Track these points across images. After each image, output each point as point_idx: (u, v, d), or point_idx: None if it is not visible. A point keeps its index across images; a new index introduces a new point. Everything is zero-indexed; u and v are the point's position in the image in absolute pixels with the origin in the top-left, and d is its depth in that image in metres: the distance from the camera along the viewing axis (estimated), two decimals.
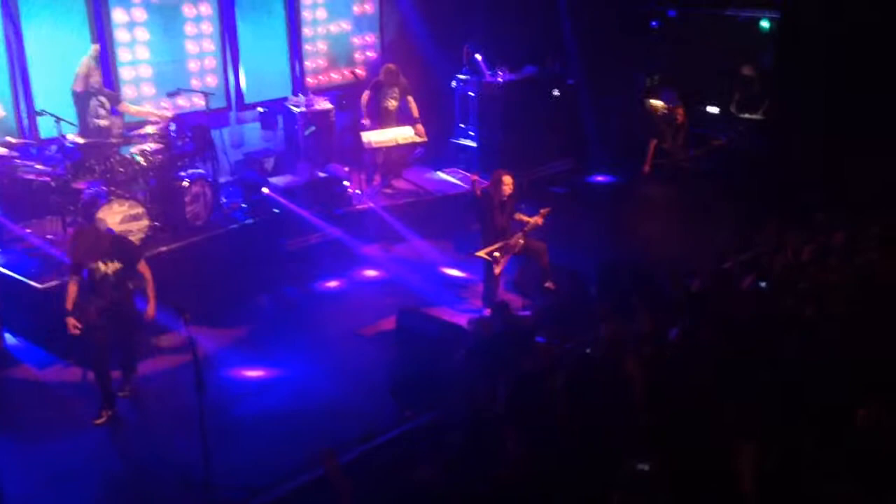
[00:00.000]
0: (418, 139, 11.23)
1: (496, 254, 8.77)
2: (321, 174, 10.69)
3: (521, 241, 8.88)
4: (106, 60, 9.98)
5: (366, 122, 11.08)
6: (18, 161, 8.90)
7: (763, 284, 6.64)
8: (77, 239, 7.49)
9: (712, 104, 12.83)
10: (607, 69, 12.85)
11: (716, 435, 4.36)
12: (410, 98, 11.20)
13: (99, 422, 7.12)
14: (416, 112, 11.17)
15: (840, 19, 9.86)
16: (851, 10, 9.79)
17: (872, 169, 8.07)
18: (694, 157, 12.19)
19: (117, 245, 7.30)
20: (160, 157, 9.28)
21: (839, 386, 4.67)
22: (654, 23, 13.44)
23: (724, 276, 6.90)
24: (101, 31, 9.97)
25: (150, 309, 7.31)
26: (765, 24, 12.36)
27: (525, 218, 8.97)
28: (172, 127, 9.64)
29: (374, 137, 11.06)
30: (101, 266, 7.14)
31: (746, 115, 12.47)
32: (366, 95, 11.15)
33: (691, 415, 4.63)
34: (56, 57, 9.51)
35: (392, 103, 11.23)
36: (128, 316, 7.40)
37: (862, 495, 3.83)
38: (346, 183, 10.77)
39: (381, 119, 11.23)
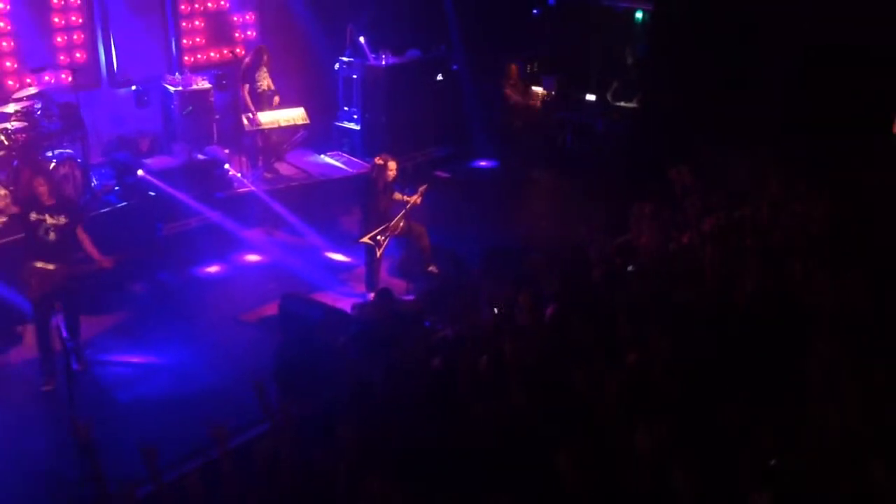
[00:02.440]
0: (301, 121, 11.10)
1: (379, 237, 8.80)
2: (200, 156, 10.39)
3: (402, 222, 8.95)
4: None
5: (250, 115, 10.86)
6: None
7: (630, 268, 6.93)
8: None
9: (590, 92, 13.23)
10: (490, 55, 13.04)
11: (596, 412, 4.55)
12: (276, 98, 11.13)
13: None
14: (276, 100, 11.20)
15: (708, 14, 10.35)
16: (719, 5, 10.30)
17: (737, 159, 8.55)
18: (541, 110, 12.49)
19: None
20: (24, 135, 8.81)
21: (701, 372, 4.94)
22: (535, 10, 13.72)
23: (590, 258, 7.15)
24: None
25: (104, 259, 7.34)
26: (638, 15, 12.84)
27: (404, 198, 9.04)
28: (38, 105, 9.16)
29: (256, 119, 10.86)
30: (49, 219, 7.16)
31: (622, 104, 12.93)
32: (245, 88, 10.92)
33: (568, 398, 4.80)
34: None
35: (264, 84, 11.07)
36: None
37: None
38: (226, 165, 10.52)
39: (258, 102, 11.03)
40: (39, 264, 7.10)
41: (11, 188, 8.60)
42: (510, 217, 10.81)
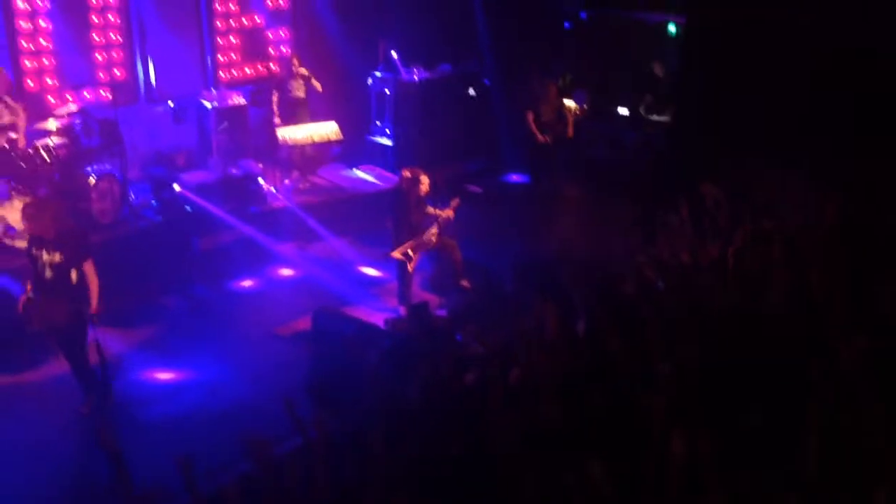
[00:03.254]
0: (333, 137, 11.22)
1: (410, 251, 8.82)
2: (234, 171, 10.54)
3: (434, 237, 8.96)
4: (6, 50, 9.63)
5: (276, 120, 11.15)
6: None
7: (661, 283, 6.88)
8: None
9: (622, 105, 13.17)
10: (521, 70, 13.05)
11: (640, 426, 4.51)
12: (314, 82, 11.27)
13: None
14: (319, 88, 11.42)
15: (742, 27, 10.27)
16: (753, 18, 10.21)
17: (769, 171, 8.48)
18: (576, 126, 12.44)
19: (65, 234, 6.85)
20: (64, 151, 8.99)
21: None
22: (566, 24, 13.70)
23: (622, 272, 7.11)
24: (0, 18, 9.61)
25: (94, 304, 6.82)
26: (671, 28, 12.78)
27: (437, 211, 9.05)
28: (78, 121, 9.36)
29: (290, 135, 11.02)
30: (45, 255, 6.72)
31: (654, 117, 12.86)
32: (275, 96, 11.21)
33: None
34: None
35: (297, 95, 11.26)
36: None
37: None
38: (260, 180, 10.65)
39: (292, 112, 11.23)
40: (36, 298, 6.82)
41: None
42: (542, 231, 10.79)
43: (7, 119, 8.91)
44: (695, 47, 11.41)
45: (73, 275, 6.71)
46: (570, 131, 12.17)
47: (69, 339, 6.90)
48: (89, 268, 6.81)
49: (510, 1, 12.91)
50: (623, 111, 13.15)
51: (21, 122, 9.05)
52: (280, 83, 11.36)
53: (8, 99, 8.95)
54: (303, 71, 11.31)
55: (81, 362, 7.06)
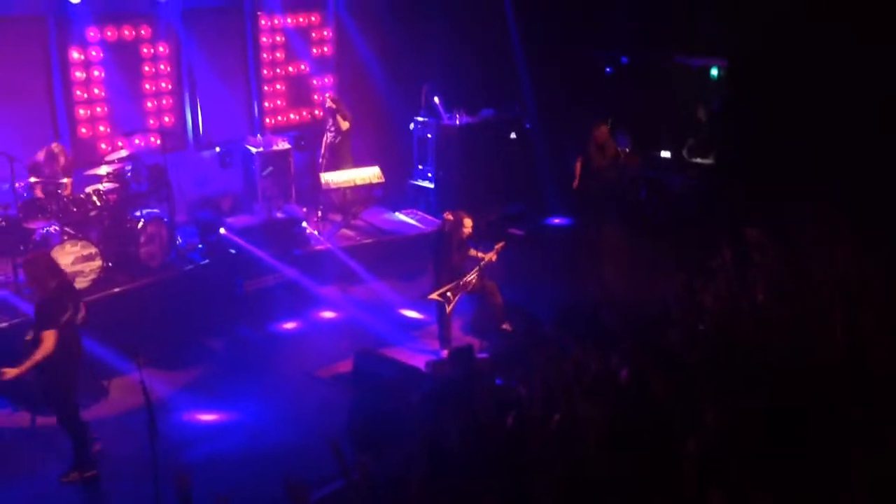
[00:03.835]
0: (376, 180, 11.36)
1: (448, 293, 8.80)
2: (278, 214, 10.71)
3: (475, 280, 8.94)
4: (61, 99, 9.98)
5: (321, 162, 11.39)
6: None
7: (702, 327, 6.78)
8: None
9: (665, 149, 13.13)
10: (563, 114, 13.11)
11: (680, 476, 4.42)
12: (340, 119, 11.36)
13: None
14: (344, 126, 11.39)
15: (785, 69, 10.23)
16: (795, 60, 10.18)
17: (814, 215, 8.35)
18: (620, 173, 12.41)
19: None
20: (114, 196, 9.22)
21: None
22: (608, 69, 13.77)
23: (666, 317, 7.02)
24: (56, 68, 9.96)
25: (10, 371, 6.46)
26: (714, 71, 12.76)
27: (479, 254, 9.05)
28: (128, 167, 9.60)
29: (332, 178, 11.17)
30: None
31: (697, 160, 12.79)
32: (323, 139, 11.56)
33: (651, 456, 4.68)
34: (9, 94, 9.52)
35: (330, 136, 11.47)
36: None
37: None
38: (303, 223, 10.79)
39: (333, 154, 11.42)
40: None
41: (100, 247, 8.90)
42: (584, 274, 10.71)
43: (55, 181, 9.13)
44: (737, 90, 11.39)
45: (29, 335, 6.66)
46: (631, 161, 12.23)
47: (45, 393, 6.84)
48: (47, 338, 6.48)
49: (551, 46, 13.02)
50: (666, 154, 13.10)
51: (69, 181, 9.26)
52: (324, 125, 11.61)
53: (60, 168, 9.21)
54: (330, 104, 11.44)
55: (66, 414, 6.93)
